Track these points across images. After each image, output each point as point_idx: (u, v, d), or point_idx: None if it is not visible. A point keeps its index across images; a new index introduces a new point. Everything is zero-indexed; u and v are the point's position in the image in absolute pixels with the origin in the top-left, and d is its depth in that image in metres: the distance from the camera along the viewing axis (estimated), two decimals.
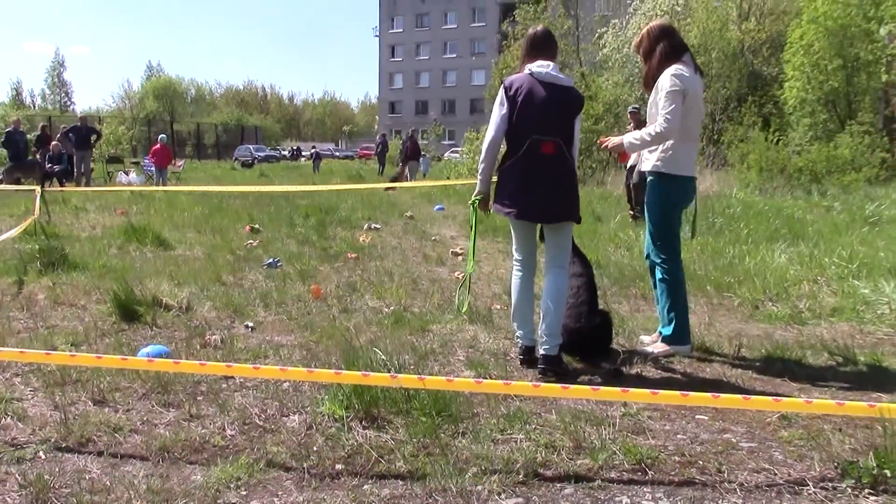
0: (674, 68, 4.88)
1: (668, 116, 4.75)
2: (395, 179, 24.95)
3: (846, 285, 6.81)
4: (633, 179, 5.21)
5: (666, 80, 4.85)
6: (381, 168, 35.10)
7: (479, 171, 4.89)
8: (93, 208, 14.41)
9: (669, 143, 4.92)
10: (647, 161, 5.14)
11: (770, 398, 3.76)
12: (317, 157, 45.01)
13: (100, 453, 3.42)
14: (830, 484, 3.15)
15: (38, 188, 12.36)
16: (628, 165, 5.47)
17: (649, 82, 5.07)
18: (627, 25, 31.51)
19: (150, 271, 7.66)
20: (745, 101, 26.38)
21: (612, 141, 5.12)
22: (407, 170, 26.78)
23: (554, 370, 4.58)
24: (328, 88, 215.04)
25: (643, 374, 4.73)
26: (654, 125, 4.83)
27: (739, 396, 3.66)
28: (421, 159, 29.31)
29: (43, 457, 3.38)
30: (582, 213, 4.91)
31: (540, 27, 4.97)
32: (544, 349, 4.62)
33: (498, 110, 4.68)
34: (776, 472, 3.27)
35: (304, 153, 69.67)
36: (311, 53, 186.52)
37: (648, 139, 4.87)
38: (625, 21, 32.25)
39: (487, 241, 10.29)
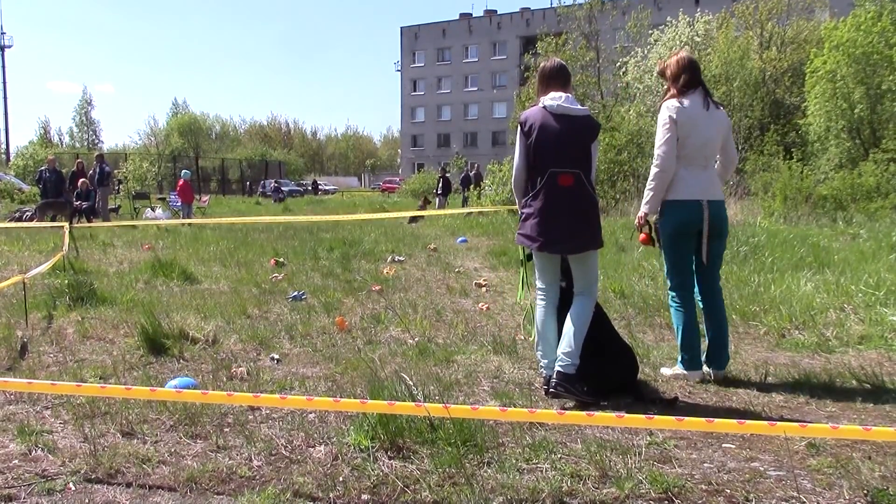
0: (668, 102, 5.05)
1: (659, 153, 4.99)
2: (422, 207, 25.04)
3: (874, 313, 6.74)
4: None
5: (659, 115, 5.08)
6: (440, 204, 30.87)
7: (519, 205, 4.96)
8: (120, 244, 14.58)
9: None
10: None
11: (796, 424, 3.73)
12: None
13: (128, 484, 3.45)
14: None
15: (66, 225, 12.56)
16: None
17: None
18: (649, 55, 31.63)
19: (176, 305, 7.73)
20: (767, 130, 26.31)
21: (639, 219, 5.24)
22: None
23: (566, 388, 4.53)
24: (351, 123, 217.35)
25: (669, 403, 4.70)
26: (651, 169, 5.04)
27: (765, 422, 3.64)
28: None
29: (73, 488, 3.42)
30: (605, 244, 4.94)
31: (551, 60, 5.02)
32: (560, 366, 4.60)
33: (519, 145, 4.79)
34: (805, 500, 3.24)
35: (326, 187, 70.25)
36: (333, 88, 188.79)
37: (653, 184, 5.05)
38: (646, 51, 32.38)
39: (511, 271, 10.30)
